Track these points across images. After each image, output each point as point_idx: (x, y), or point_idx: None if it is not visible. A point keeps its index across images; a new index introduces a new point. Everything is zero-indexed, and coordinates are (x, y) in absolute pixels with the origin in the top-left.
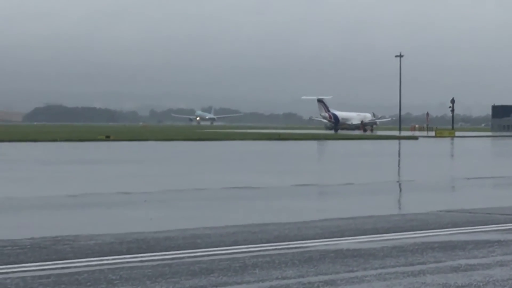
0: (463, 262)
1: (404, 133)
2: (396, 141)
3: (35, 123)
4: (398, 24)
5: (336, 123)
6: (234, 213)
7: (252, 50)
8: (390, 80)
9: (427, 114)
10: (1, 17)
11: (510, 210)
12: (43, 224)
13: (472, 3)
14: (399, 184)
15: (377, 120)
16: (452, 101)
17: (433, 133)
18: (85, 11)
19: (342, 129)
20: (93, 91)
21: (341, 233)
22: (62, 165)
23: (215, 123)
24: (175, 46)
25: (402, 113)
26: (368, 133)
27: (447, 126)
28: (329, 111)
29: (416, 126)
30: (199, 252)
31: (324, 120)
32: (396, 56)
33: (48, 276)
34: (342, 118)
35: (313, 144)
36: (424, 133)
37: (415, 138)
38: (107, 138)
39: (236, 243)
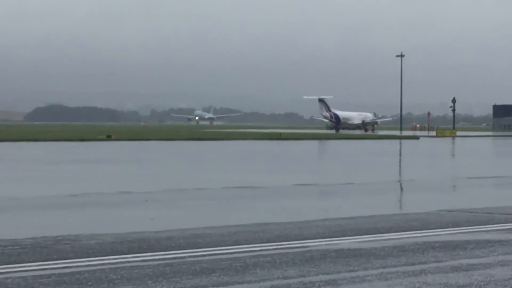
0: (464, 261)
1: (405, 133)
2: (397, 141)
3: (37, 122)
4: (399, 24)
5: (337, 123)
6: (235, 212)
7: (253, 50)
8: (391, 79)
9: (428, 113)
10: (2, 17)
11: (511, 209)
12: (44, 223)
13: (473, 3)
14: (400, 184)
15: (378, 120)
16: (453, 100)
17: (434, 133)
18: (86, 11)
19: (343, 128)
20: (94, 91)
21: (342, 233)
22: (63, 164)
23: (214, 123)
24: (176, 45)
25: (403, 112)
26: (369, 132)
27: (448, 125)
28: (330, 110)
29: (417, 125)
30: (200, 251)
31: (325, 120)
32: (397, 56)
33: (49, 276)
34: (343, 118)
35: (314, 143)
36: (425, 133)
37: (416, 137)
38: (108, 138)
39: (237, 242)
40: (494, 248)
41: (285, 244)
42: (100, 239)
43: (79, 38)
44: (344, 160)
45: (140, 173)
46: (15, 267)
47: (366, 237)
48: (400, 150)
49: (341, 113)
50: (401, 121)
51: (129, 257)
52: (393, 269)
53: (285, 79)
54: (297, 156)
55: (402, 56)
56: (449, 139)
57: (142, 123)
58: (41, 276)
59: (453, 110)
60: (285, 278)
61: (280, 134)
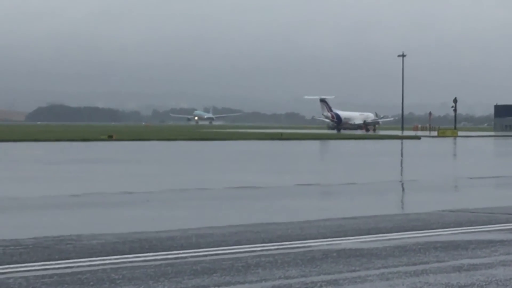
0: (465, 261)
1: (406, 133)
2: (399, 141)
3: (38, 122)
4: (400, 24)
5: (338, 123)
6: (237, 212)
7: (255, 50)
8: (393, 80)
9: (430, 113)
10: (4, 16)
11: None
12: (45, 223)
13: (475, 3)
14: (402, 184)
15: (379, 120)
16: (455, 100)
17: (435, 133)
18: (87, 11)
19: (345, 128)
20: (95, 91)
21: (344, 233)
22: (64, 164)
23: (213, 123)
24: (177, 45)
25: (405, 112)
26: (371, 132)
27: (449, 125)
28: (331, 110)
29: (419, 125)
30: (202, 251)
31: (327, 120)
32: (398, 55)
33: (51, 276)
34: (345, 118)
35: (315, 143)
36: (427, 133)
37: (417, 137)
38: (110, 138)
39: (238, 242)
40: (496, 248)
41: (286, 244)
42: (102, 239)
43: (80, 38)
44: (346, 160)
45: (142, 173)
46: (17, 267)
47: (367, 237)
48: (401, 150)
49: (343, 113)
50: (403, 121)
51: (131, 257)
52: (395, 269)
53: (285, 79)
54: (298, 156)
55: (403, 56)
56: (450, 139)
57: (143, 123)
58: (43, 276)
59: (455, 110)
60: (286, 278)
61: (281, 134)
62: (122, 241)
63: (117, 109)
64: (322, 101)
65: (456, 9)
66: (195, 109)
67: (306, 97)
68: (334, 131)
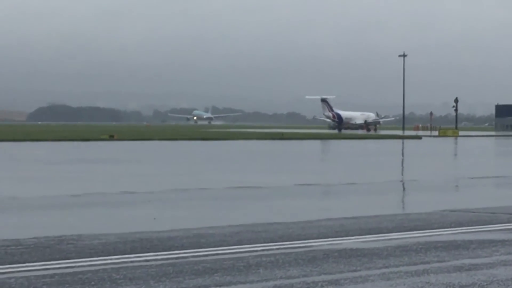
0: (466, 261)
1: (407, 133)
2: (400, 141)
3: (39, 122)
4: (401, 24)
5: (339, 123)
6: (238, 212)
7: (256, 50)
8: (393, 79)
9: (431, 113)
10: (4, 16)
11: None
12: (47, 223)
13: (475, 3)
14: (403, 184)
15: (380, 120)
16: (456, 100)
17: (436, 133)
18: (88, 11)
19: (346, 128)
20: (96, 91)
21: (345, 233)
22: (65, 164)
23: (212, 123)
24: (178, 45)
25: (406, 112)
26: (372, 132)
27: (450, 125)
28: (332, 110)
29: (420, 125)
30: (203, 251)
31: (328, 120)
32: (399, 55)
33: (52, 276)
34: (346, 118)
35: (316, 143)
36: (428, 133)
37: (418, 137)
38: (111, 138)
39: (239, 242)
40: (497, 248)
41: (287, 244)
42: (103, 239)
43: (80, 37)
44: (347, 160)
45: (143, 173)
46: (18, 267)
47: (368, 237)
48: (402, 150)
49: (344, 113)
50: (404, 121)
51: (132, 257)
52: (396, 269)
53: (286, 79)
54: (299, 156)
55: (404, 56)
56: (451, 139)
57: (144, 123)
58: (44, 276)
59: (456, 110)
60: (288, 278)
61: (283, 134)
62: (123, 241)
63: (118, 109)
64: (323, 101)
65: (457, 9)
66: (197, 109)
67: (307, 97)
68: (335, 131)
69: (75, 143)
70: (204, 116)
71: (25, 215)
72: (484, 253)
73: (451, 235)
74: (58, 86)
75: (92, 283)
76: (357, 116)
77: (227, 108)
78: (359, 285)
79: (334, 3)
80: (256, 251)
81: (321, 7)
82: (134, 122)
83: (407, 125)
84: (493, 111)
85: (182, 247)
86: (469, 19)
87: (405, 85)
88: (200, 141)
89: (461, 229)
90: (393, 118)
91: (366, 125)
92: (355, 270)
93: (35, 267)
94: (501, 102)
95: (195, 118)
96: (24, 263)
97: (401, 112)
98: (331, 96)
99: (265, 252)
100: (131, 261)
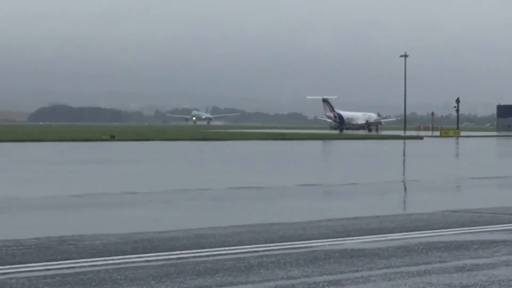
0: (468, 262)
1: (409, 133)
2: (401, 141)
3: (40, 123)
4: (402, 24)
5: (341, 123)
6: (239, 213)
7: (257, 50)
8: (395, 80)
9: (432, 113)
10: (4, 16)
11: None
12: (48, 224)
13: (477, 3)
14: (404, 184)
15: (382, 120)
16: (457, 100)
17: (438, 133)
18: (89, 11)
19: (347, 129)
20: (97, 91)
21: (346, 233)
22: (67, 165)
23: (211, 123)
24: (179, 45)
25: (407, 113)
26: (373, 133)
27: (452, 125)
28: (334, 111)
29: (421, 126)
30: (204, 252)
31: (329, 120)
32: (401, 56)
33: (53, 276)
34: (347, 118)
35: (318, 144)
36: (429, 133)
37: (420, 138)
38: (112, 138)
39: (241, 243)
40: (498, 249)
41: (289, 244)
42: (104, 239)
43: (80, 38)
44: (348, 160)
45: (144, 174)
46: (20, 267)
47: (370, 238)
48: (404, 150)
49: (345, 113)
50: (405, 121)
51: (133, 258)
52: (397, 269)
53: (286, 79)
54: (301, 156)
55: (406, 56)
56: (453, 139)
57: (146, 124)
58: (45, 277)
59: (457, 110)
60: (289, 278)
61: (284, 134)
62: (125, 242)
63: (120, 110)
64: (325, 101)
65: (458, 9)
66: (198, 110)
67: (308, 97)
68: (337, 131)
69: (76, 143)
70: (203, 117)
71: (26, 216)
72: (486, 253)
73: (453, 236)
74: (59, 87)
75: (94, 283)
76: (359, 117)
77: (228, 109)
78: (360, 286)
79: (334, 3)
80: (258, 251)
81: (321, 7)
82: (135, 123)
83: (408, 126)
84: (495, 111)
85: (184, 248)
86: (470, 19)
87: (407, 85)
88: (201, 141)
89: (462, 230)
90: (394, 119)
91: (368, 125)
92: (356, 271)
93: (36, 268)
94: (502, 102)
95: (194, 118)
96: (25, 263)
97: (403, 112)
98: (333, 97)
99: (267, 253)
100: (132, 262)
